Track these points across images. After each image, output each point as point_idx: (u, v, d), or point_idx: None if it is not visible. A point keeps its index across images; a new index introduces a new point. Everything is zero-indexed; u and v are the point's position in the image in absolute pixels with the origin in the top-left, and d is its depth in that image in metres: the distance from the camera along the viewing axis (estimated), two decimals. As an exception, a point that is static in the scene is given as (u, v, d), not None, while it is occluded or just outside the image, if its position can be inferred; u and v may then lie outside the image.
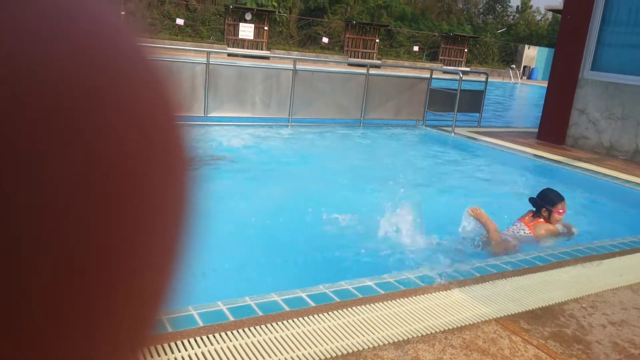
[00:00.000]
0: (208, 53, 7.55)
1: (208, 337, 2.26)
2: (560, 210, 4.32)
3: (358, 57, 29.66)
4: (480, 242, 4.06)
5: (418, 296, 2.81)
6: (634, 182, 6.37)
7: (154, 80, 0.23)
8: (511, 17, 43.84)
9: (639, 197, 5.93)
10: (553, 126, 8.86)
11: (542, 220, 4.32)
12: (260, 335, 2.31)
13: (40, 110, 0.18)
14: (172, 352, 2.14)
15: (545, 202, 4.33)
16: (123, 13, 0.26)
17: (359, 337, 2.37)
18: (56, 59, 0.19)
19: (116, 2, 0.24)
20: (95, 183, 0.19)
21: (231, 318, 2.43)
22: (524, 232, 4.25)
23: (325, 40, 30.01)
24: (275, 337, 2.31)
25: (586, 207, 5.64)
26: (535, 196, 4.45)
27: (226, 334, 2.29)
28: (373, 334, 2.41)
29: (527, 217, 4.39)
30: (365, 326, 2.46)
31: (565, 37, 8.81)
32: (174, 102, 0.24)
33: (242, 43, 26.76)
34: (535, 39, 40.40)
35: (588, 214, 5.42)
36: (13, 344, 0.18)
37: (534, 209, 4.42)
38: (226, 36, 26.54)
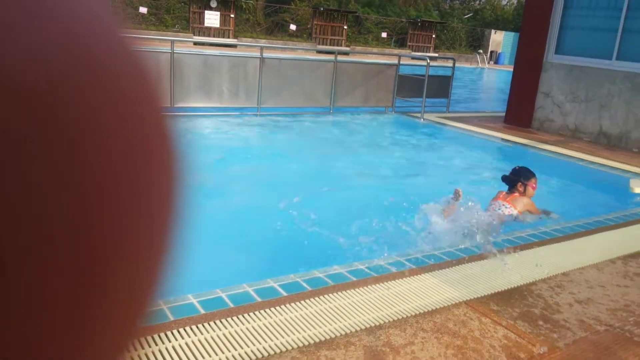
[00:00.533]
0: (172, 42, 7.39)
1: (179, 331, 2.23)
2: (534, 185, 4.50)
3: (326, 44, 29.55)
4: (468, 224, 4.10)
5: (389, 282, 2.82)
6: (598, 163, 6.53)
7: (139, 72, 0.23)
8: (477, 2, 44.24)
9: (603, 178, 6.08)
10: (519, 110, 9.01)
11: (517, 194, 4.47)
12: (232, 327, 2.29)
13: (21, 108, 0.18)
14: (143, 348, 2.10)
15: (520, 177, 4.50)
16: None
17: (331, 325, 2.37)
18: (36, 54, 0.18)
19: None
20: (82, 179, 0.19)
21: (202, 311, 2.40)
22: (505, 207, 4.37)
23: (293, 27, 29.78)
24: (247, 328, 2.29)
25: (552, 189, 5.76)
26: (507, 175, 4.60)
27: (197, 327, 2.26)
28: (345, 320, 2.41)
29: (501, 195, 4.53)
30: (337, 313, 2.46)
31: (529, 22, 8.93)
32: (159, 93, 0.24)
33: (208, 31, 26.35)
34: (501, 24, 40.90)
35: (554, 195, 5.53)
36: (1, 340, 0.18)
37: (508, 187, 4.56)
38: (191, 24, 26.09)
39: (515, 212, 4.36)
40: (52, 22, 0.19)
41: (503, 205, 4.40)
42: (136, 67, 0.23)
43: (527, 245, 3.54)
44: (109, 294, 0.21)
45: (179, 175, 0.24)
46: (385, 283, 2.81)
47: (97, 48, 0.21)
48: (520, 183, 4.48)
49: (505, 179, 4.60)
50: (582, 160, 6.71)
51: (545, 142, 7.73)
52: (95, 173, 0.20)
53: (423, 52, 32.21)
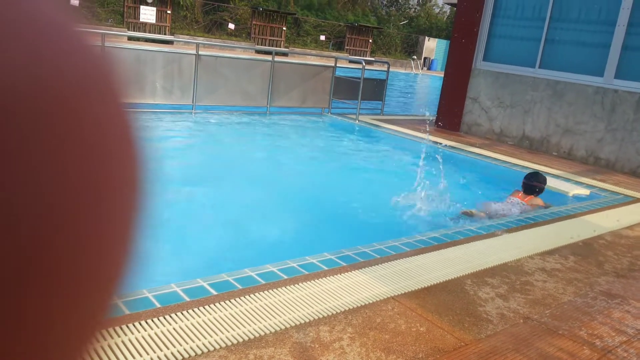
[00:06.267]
0: (103, 35, 7.12)
1: (102, 333, 2.14)
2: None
3: (265, 45, 29.42)
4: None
5: (320, 279, 2.85)
6: (519, 165, 6.87)
7: (98, 68, 0.23)
8: (413, 9, 45.50)
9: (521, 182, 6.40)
10: (449, 114, 9.34)
11: (533, 196, 5.21)
12: (158, 327, 2.23)
13: None
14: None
15: (542, 182, 5.30)
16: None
17: (260, 323, 2.36)
18: None
19: None
20: (41, 174, 0.19)
21: (126, 311, 2.33)
22: (523, 205, 5.07)
23: (231, 26, 29.44)
24: (173, 328, 2.24)
25: (478, 188, 6.01)
26: (524, 179, 5.35)
27: (121, 328, 2.19)
28: (275, 318, 2.41)
29: (519, 194, 5.22)
30: (267, 311, 2.46)
31: (460, 29, 9.28)
32: (121, 88, 0.24)
33: (144, 27, 25.57)
34: (435, 32, 42.26)
35: (479, 194, 5.77)
36: None
37: (524, 189, 5.26)
38: (126, 19, 25.22)
39: (528, 207, 5.04)
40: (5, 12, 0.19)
41: (520, 203, 5.05)
42: (95, 62, 0.22)
43: (452, 243, 3.67)
44: (73, 286, 0.21)
45: (141, 169, 0.24)
46: (316, 280, 2.83)
47: (48, 41, 0.20)
48: (539, 189, 5.20)
49: (529, 185, 5.25)
50: (505, 162, 7.05)
51: (472, 144, 8.05)
52: (56, 169, 0.19)
53: (360, 56, 32.72)
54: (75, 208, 0.20)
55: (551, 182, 5.98)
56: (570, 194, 5.85)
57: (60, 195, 0.20)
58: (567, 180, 6.38)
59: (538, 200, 5.21)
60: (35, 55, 0.19)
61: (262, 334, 2.28)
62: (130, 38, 20.78)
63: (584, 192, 5.97)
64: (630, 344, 2.61)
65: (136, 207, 0.24)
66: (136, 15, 25.39)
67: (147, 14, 25.61)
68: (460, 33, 9.24)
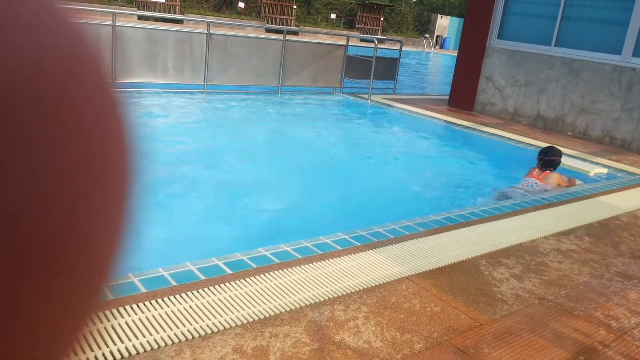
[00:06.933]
0: (114, 14, 7.08)
1: (119, 310, 2.17)
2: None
3: (275, 24, 29.16)
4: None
5: (334, 259, 2.85)
6: (534, 145, 6.80)
7: (83, 46, 0.22)
8: (425, -14, 44.68)
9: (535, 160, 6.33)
10: (462, 93, 9.23)
11: (548, 172, 5.07)
12: (175, 305, 2.25)
13: None
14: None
15: (557, 155, 5.14)
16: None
17: (275, 302, 2.37)
18: None
19: None
20: (31, 160, 0.19)
21: (144, 289, 2.35)
22: (537, 185, 4.96)
23: (241, 5, 29.17)
24: (190, 306, 2.25)
25: (492, 168, 5.96)
26: (539, 155, 5.20)
27: (138, 306, 2.21)
28: (290, 297, 2.42)
29: (534, 172, 5.10)
30: (282, 290, 2.47)
31: (474, 7, 9.11)
32: (105, 68, 0.23)
33: (153, 6, 25.42)
34: (447, 9, 41.56)
35: (493, 174, 5.73)
36: None
37: (540, 164, 5.14)
38: (135, -2, 25.06)
39: (545, 187, 4.95)
40: None
41: (535, 183, 4.93)
42: (79, 39, 0.22)
43: (465, 224, 3.65)
44: (67, 272, 0.21)
45: (132, 154, 0.24)
46: (330, 260, 2.83)
47: (35, 20, 0.19)
48: (556, 162, 5.08)
49: (544, 159, 5.10)
50: (520, 142, 6.97)
51: (486, 124, 7.96)
52: (45, 153, 0.19)
53: (371, 34, 32.33)
54: (68, 194, 0.20)
55: (572, 162, 5.93)
56: (591, 174, 5.80)
57: (54, 182, 0.20)
58: (584, 160, 6.31)
59: (554, 176, 5.08)
60: (23, 40, 0.19)
61: (278, 312, 2.29)
62: (140, 17, 20.68)
63: (602, 171, 5.93)
64: (646, 325, 2.60)
65: (128, 192, 0.24)
66: (146, -6, 25.21)
67: (157, -8, 25.40)
68: (474, 10, 9.08)
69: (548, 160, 5.13)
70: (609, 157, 6.65)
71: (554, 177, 5.07)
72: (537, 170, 5.14)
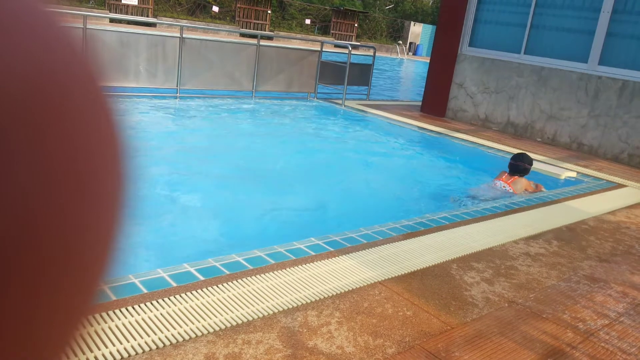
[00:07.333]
0: (85, 17, 6.98)
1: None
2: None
3: (250, 29, 29.09)
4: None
5: (308, 264, 2.85)
6: (504, 151, 6.93)
7: (72, 49, 0.22)
8: (398, -6, 45.19)
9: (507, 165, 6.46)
10: (435, 99, 9.35)
11: (517, 177, 5.25)
12: (145, 313, 2.22)
13: None
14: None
15: (527, 162, 5.32)
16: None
17: (248, 308, 2.35)
18: None
19: None
20: (27, 168, 0.19)
21: (113, 297, 2.31)
22: (506, 189, 5.16)
23: (215, 9, 29.04)
24: (160, 314, 2.23)
25: (462, 173, 6.05)
26: (511, 160, 5.38)
27: (108, 314, 2.17)
28: (263, 303, 2.41)
29: (504, 176, 5.28)
30: (255, 296, 2.46)
31: (446, 15, 9.26)
32: (99, 70, 0.23)
33: (126, 9, 25.11)
34: (420, 17, 42.12)
35: (464, 180, 5.81)
36: None
37: (510, 169, 5.31)
38: (107, 1, 24.72)
39: (510, 191, 5.14)
40: None
41: (503, 186, 5.12)
42: (68, 42, 0.21)
43: (437, 228, 3.70)
44: (61, 274, 0.21)
45: (124, 156, 0.24)
46: (304, 265, 2.83)
47: (20, 23, 0.19)
48: (525, 168, 5.24)
49: (515, 166, 5.26)
50: (491, 148, 7.10)
51: (458, 130, 8.08)
52: (38, 161, 0.19)
53: (345, 40, 32.55)
54: (59, 198, 0.20)
55: (542, 166, 6.07)
56: (562, 177, 5.95)
57: (44, 187, 0.19)
58: (554, 165, 6.46)
59: (523, 181, 5.27)
60: (12, 44, 0.19)
61: (250, 319, 2.28)
62: (112, 20, 20.39)
63: (572, 174, 6.09)
64: (612, 327, 2.67)
65: (120, 196, 0.24)
66: (118, -4, 24.89)
67: (130, -5, 25.11)
68: (446, 18, 9.22)
69: (516, 165, 5.30)
70: (576, 163, 6.82)
71: (522, 183, 5.26)
72: (506, 174, 5.31)
